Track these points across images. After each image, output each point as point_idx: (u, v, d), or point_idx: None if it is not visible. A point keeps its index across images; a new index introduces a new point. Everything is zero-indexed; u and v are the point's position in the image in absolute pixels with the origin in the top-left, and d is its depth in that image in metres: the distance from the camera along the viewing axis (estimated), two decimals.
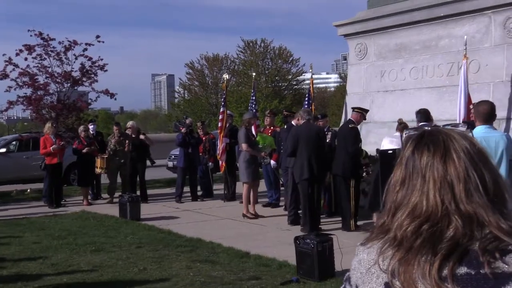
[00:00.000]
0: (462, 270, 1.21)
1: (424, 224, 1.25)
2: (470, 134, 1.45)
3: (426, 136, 1.33)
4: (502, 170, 5.70)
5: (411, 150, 1.33)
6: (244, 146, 11.04)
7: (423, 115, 8.72)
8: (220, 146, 13.32)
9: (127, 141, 13.45)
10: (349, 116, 10.14)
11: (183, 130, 13.63)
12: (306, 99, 13.20)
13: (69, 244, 8.85)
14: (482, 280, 1.19)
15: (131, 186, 13.70)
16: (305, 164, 9.46)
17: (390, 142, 8.99)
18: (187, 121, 14.33)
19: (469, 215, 1.23)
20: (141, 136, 13.88)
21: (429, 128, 1.36)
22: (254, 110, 13.65)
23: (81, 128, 14.09)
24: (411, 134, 1.36)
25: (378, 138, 10.79)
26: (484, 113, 5.81)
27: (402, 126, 8.93)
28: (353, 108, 9.81)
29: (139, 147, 13.76)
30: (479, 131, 5.77)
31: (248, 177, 11.11)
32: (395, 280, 1.27)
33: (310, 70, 15.02)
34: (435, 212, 1.25)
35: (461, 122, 9.01)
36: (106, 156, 13.77)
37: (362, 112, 9.64)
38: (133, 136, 13.80)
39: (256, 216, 11.06)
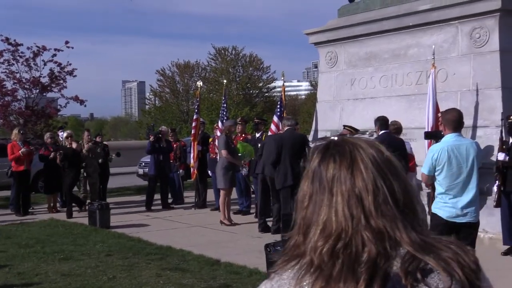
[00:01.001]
0: None
1: (337, 243, 1.18)
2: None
3: (332, 146, 1.27)
4: (474, 178, 5.78)
5: (317, 162, 1.26)
6: (224, 152, 11.05)
7: (382, 122, 8.83)
8: (194, 153, 13.30)
9: (58, 152, 13.09)
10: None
11: (151, 138, 13.59)
12: (278, 106, 13.26)
13: (37, 252, 8.71)
14: None
15: (99, 193, 13.58)
16: (289, 171, 9.51)
17: None
18: (162, 128, 14.24)
19: (380, 230, 1.18)
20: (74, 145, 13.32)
21: (336, 138, 1.29)
22: (225, 118, 13.65)
23: (47, 135, 13.89)
24: (317, 145, 1.30)
25: None
26: (453, 120, 5.87)
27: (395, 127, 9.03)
28: (345, 126, 9.93)
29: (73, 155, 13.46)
30: (449, 139, 5.83)
31: (226, 184, 11.12)
32: None
33: (282, 78, 15.07)
34: (345, 229, 1.18)
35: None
36: None
37: (351, 130, 9.74)
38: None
39: (232, 223, 11.07)
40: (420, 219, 1.24)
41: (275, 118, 12.78)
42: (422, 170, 6.02)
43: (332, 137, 1.30)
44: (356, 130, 9.62)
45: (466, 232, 5.85)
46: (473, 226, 5.85)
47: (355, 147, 1.24)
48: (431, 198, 7.40)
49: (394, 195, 1.21)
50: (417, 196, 1.26)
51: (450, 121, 5.88)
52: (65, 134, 13.54)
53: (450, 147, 5.75)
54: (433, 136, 6.76)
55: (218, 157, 12.25)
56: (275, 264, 1.29)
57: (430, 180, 6.04)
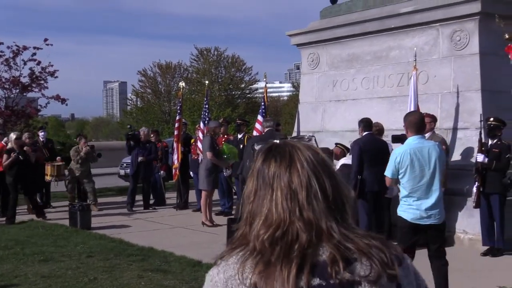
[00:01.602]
0: (316, 281, 1.31)
1: (276, 232, 1.34)
2: (315, 144, 1.56)
3: (274, 148, 1.43)
4: (437, 180, 5.79)
5: (260, 161, 1.42)
6: (208, 154, 11.03)
7: (366, 124, 8.89)
8: (178, 154, 13.27)
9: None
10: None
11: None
12: (262, 107, 13.28)
13: (16, 254, 8.61)
14: None
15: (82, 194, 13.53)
16: None
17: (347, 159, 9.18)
18: (141, 131, 14.12)
19: (310, 221, 1.34)
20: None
21: (278, 141, 1.46)
22: (207, 119, 13.63)
23: (26, 135, 13.73)
24: (262, 147, 1.46)
25: (330, 147, 10.91)
26: (415, 123, 5.88)
27: (377, 129, 9.08)
28: (336, 144, 9.96)
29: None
30: (412, 142, 5.85)
31: (208, 185, 11.11)
32: None
33: (264, 79, 15.10)
34: (284, 220, 1.34)
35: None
36: (58, 163, 13.57)
37: (343, 149, 9.76)
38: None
39: (213, 224, 11.05)
40: (349, 214, 1.39)
41: (259, 118, 12.80)
42: (385, 173, 6.06)
43: (275, 141, 1.47)
44: (347, 149, 9.60)
45: (433, 234, 5.89)
46: (438, 228, 5.86)
47: (294, 149, 1.41)
48: None
49: (325, 192, 1.37)
50: (348, 194, 1.42)
51: (412, 123, 5.89)
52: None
53: (412, 150, 5.77)
54: (400, 139, 6.79)
55: (200, 158, 12.23)
56: (223, 251, 1.43)
57: (394, 183, 6.07)
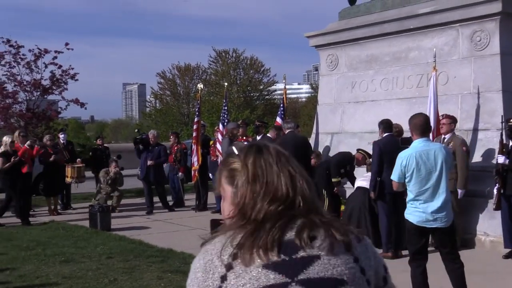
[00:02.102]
0: (281, 257, 1.49)
1: (280, 206, 1.57)
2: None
3: (263, 146, 1.67)
4: (443, 183, 5.71)
5: (254, 154, 1.63)
6: None
7: (386, 125, 8.83)
8: (198, 156, 13.30)
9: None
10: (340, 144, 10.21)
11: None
12: (281, 109, 13.27)
13: (38, 255, 8.71)
14: (299, 263, 1.49)
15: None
16: None
17: (363, 180, 9.15)
18: (150, 134, 14.09)
19: (307, 198, 1.59)
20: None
21: (262, 143, 1.69)
22: (226, 120, 13.66)
23: (47, 137, 13.90)
24: (243, 147, 1.68)
25: (349, 149, 10.89)
26: (420, 125, 5.81)
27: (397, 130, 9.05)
28: (358, 149, 9.95)
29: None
30: (417, 145, 5.78)
31: None
32: (230, 272, 1.49)
33: (284, 81, 15.08)
34: (288, 195, 1.58)
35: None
36: (78, 165, 13.73)
37: (364, 154, 9.74)
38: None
39: None
40: (318, 203, 1.63)
41: (278, 120, 12.80)
42: (392, 177, 6.00)
43: (254, 143, 1.72)
44: (369, 155, 9.57)
45: (440, 237, 5.81)
46: (446, 231, 5.75)
47: (268, 147, 1.67)
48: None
49: (301, 185, 1.61)
50: (313, 187, 1.65)
51: (417, 126, 5.81)
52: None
53: (418, 153, 5.70)
54: (408, 142, 6.73)
55: (219, 160, 12.26)
56: (204, 241, 1.61)
57: (401, 187, 5.98)
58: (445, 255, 5.83)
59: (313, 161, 10.12)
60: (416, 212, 5.70)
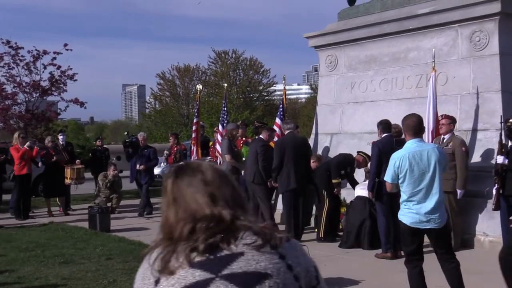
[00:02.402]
0: (206, 256, 1.62)
1: (195, 221, 1.68)
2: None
3: (183, 167, 1.79)
4: (436, 184, 5.68)
5: (172, 178, 1.76)
6: (227, 157, 11.06)
7: (385, 125, 8.83)
8: (198, 157, 13.30)
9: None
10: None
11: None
12: (281, 109, 13.27)
13: (37, 256, 8.70)
14: (223, 260, 1.61)
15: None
16: (291, 174, 9.53)
17: (363, 188, 9.17)
18: (140, 136, 14.00)
19: (213, 215, 1.67)
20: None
21: (185, 163, 1.83)
22: (225, 121, 13.65)
23: (48, 138, 13.92)
24: (173, 168, 1.81)
25: (348, 149, 10.88)
26: (413, 126, 5.78)
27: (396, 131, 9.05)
28: (358, 152, 9.94)
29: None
30: (410, 146, 5.76)
31: None
32: (161, 275, 1.66)
33: (283, 82, 15.06)
34: (199, 212, 1.69)
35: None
36: (77, 166, 13.72)
37: (364, 156, 9.74)
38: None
39: None
40: (247, 210, 1.74)
41: (277, 121, 12.79)
42: (385, 179, 5.98)
43: (182, 163, 1.87)
44: (369, 158, 9.57)
45: (434, 238, 5.79)
46: (439, 232, 5.72)
47: (199, 166, 1.78)
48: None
49: (225, 195, 1.72)
50: (243, 197, 1.79)
51: (411, 126, 5.79)
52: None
53: (411, 153, 5.67)
54: (402, 143, 6.72)
55: (219, 161, 12.26)
56: (144, 252, 1.80)
57: (395, 188, 5.95)
58: (440, 255, 5.82)
59: (314, 164, 10.12)
60: (410, 213, 5.67)
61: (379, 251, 8.58)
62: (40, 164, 13.46)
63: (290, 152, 9.62)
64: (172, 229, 1.70)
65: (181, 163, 1.86)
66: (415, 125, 5.78)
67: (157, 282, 1.67)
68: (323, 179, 9.72)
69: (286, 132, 10.17)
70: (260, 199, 10.21)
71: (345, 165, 9.82)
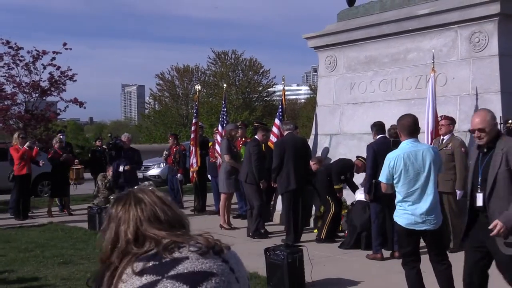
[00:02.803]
0: (150, 263, 1.67)
1: (135, 246, 1.75)
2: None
3: (128, 195, 1.86)
4: (431, 184, 5.65)
5: (115, 206, 1.84)
6: (226, 157, 11.07)
7: (378, 127, 8.84)
8: (197, 157, 13.29)
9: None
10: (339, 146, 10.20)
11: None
12: (280, 110, 13.26)
13: (36, 256, 8.71)
14: (169, 263, 1.66)
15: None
16: (291, 175, 9.53)
17: (362, 193, 9.17)
18: (124, 137, 13.92)
19: (146, 235, 1.75)
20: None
21: (132, 189, 1.90)
22: (225, 122, 13.65)
23: (56, 139, 13.96)
24: (119, 195, 1.89)
25: (348, 150, 10.89)
26: (409, 125, 5.76)
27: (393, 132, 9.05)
28: (357, 157, 9.94)
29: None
30: (405, 146, 5.74)
31: (228, 188, 11.14)
32: None
33: (282, 82, 15.04)
34: (131, 238, 1.76)
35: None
36: (76, 167, 13.75)
37: (363, 161, 9.74)
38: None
39: (231, 227, 11.08)
40: (187, 229, 1.88)
41: (277, 121, 12.79)
42: (380, 179, 5.96)
43: (129, 190, 1.93)
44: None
45: (429, 239, 5.76)
46: (434, 233, 5.70)
47: (142, 192, 1.86)
48: None
49: (160, 218, 1.81)
50: (183, 217, 1.90)
51: (406, 126, 5.77)
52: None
53: (406, 154, 5.65)
54: (397, 144, 6.72)
55: (218, 161, 12.26)
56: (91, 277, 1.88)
57: (390, 189, 5.94)
58: (433, 257, 5.79)
59: (314, 166, 10.14)
60: (405, 215, 5.65)
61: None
62: (41, 164, 13.43)
63: (289, 152, 9.63)
64: (107, 255, 1.78)
65: (130, 190, 1.93)
66: (410, 125, 5.77)
67: None
68: (324, 184, 9.77)
69: (286, 132, 10.17)
70: (250, 198, 10.30)
71: (344, 171, 9.86)
